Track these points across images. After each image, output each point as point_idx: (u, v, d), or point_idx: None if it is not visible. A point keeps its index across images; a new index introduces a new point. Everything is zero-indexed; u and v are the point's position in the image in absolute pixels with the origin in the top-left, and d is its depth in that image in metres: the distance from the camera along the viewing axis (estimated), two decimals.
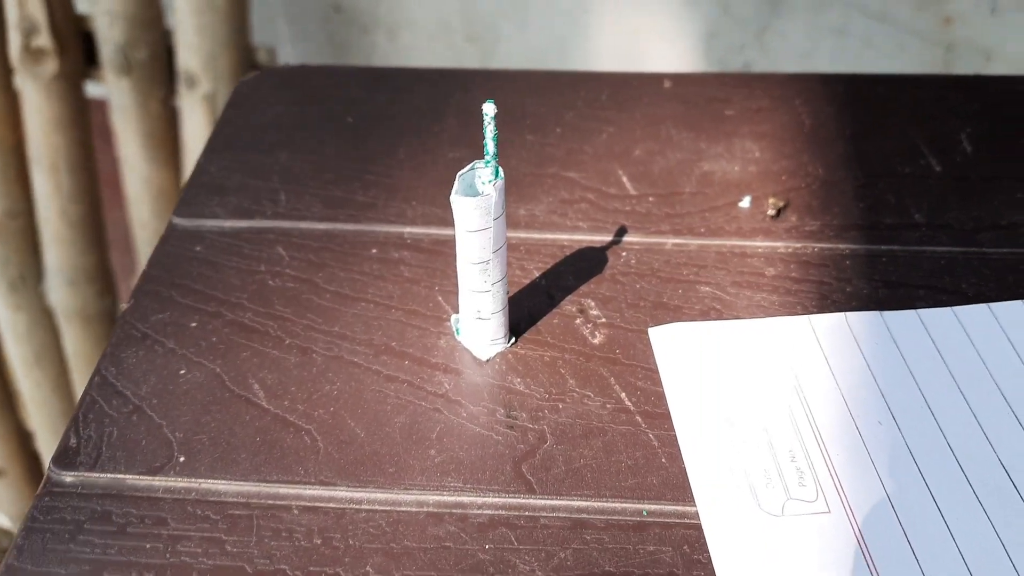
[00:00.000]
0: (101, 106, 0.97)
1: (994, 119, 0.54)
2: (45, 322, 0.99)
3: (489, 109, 0.35)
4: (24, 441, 1.06)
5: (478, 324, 0.40)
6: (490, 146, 0.36)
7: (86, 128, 0.93)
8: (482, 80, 0.59)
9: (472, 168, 0.37)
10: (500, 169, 0.36)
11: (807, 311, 0.43)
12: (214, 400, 0.39)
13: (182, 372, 0.40)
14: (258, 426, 0.38)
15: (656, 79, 0.58)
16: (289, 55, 1.10)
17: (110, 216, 0.99)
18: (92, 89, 0.95)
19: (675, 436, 0.38)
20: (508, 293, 0.40)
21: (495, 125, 0.35)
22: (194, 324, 0.43)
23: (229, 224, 0.48)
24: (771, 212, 0.48)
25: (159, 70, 0.91)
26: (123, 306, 0.44)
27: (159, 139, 0.94)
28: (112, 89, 0.91)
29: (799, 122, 0.55)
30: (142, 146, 0.93)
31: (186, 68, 0.88)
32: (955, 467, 0.37)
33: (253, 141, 0.53)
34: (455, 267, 0.40)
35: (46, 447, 1.06)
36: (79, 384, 1.02)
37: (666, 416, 0.39)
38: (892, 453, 0.37)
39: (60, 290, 0.97)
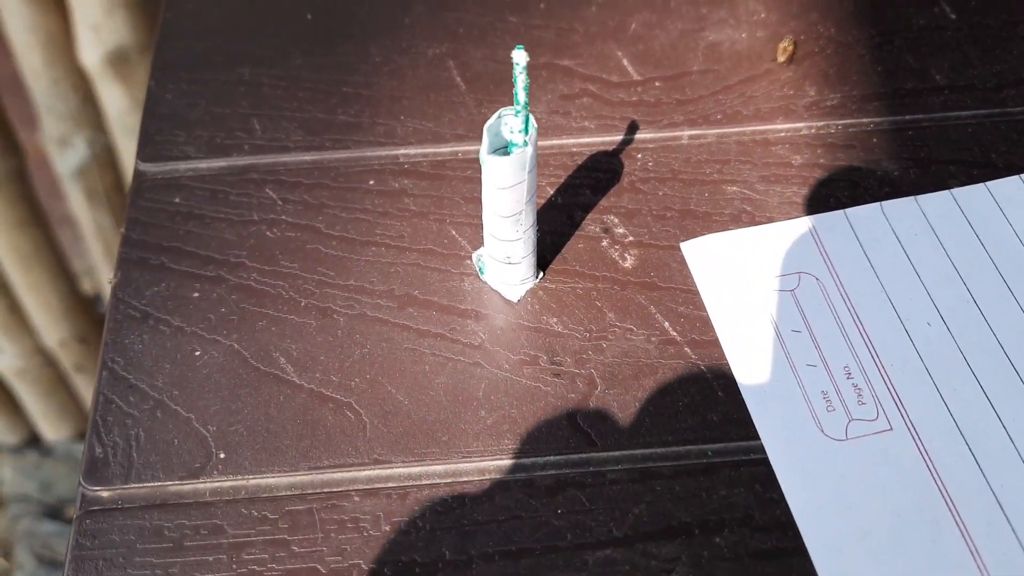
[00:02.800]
0: None
1: None
2: None
3: (520, 57, 0.30)
4: None
5: (507, 267, 0.38)
6: (521, 95, 0.31)
7: None
8: None
9: (499, 116, 0.33)
10: (532, 118, 0.33)
11: (840, 202, 0.41)
12: (240, 382, 0.37)
13: (197, 354, 0.38)
14: (295, 406, 0.36)
15: None
16: None
17: None
18: None
19: (728, 365, 0.37)
20: (537, 233, 0.38)
21: (527, 75, 0.31)
22: (196, 294, 0.39)
23: (205, 165, 0.43)
24: (782, 59, 0.46)
25: None
26: (111, 280, 0.40)
27: None
28: None
29: None
30: None
31: None
32: (1008, 366, 0.37)
33: (206, 55, 0.47)
34: (462, 192, 0.37)
35: None
36: (5, 264, 0.95)
37: (715, 343, 0.38)
38: (945, 357, 0.37)
39: None
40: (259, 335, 0.38)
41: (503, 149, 0.34)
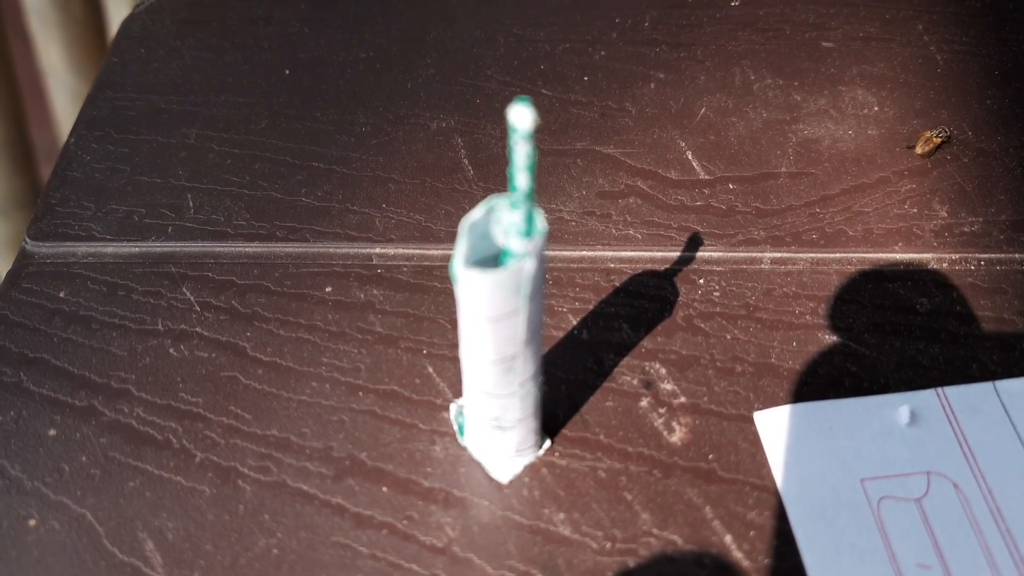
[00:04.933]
0: (15, 9, 0.80)
1: None
2: None
3: (521, 119, 0.19)
4: None
5: (495, 433, 0.26)
6: (521, 179, 0.20)
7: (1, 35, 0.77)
8: (470, 3, 0.42)
9: (489, 210, 0.21)
10: (539, 214, 0.21)
11: (987, 369, 0.29)
12: (83, 574, 0.25)
13: (32, 523, 0.26)
14: None
15: None
16: None
17: (38, 136, 0.84)
18: None
19: None
20: (544, 385, 0.25)
21: (533, 145, 0.19)
22: (53, 432, 0.28)
23: (111, 250, 0.32)
24: (921, 150, 0.34)
25: None
26: None
27: (85, 47, 0.78)
28: None
29: (928, 57, 0.39)
30: (66, 55, 0.78)
31: None
32: None
33: (148, 111, 0.37)
34: (449, 313, 0.25)
35: None
36: None
37: (800, 573, 0.25)
38: None
39: None
40: (125, 503, 0.26)
41: (491, 259, 0.22)
